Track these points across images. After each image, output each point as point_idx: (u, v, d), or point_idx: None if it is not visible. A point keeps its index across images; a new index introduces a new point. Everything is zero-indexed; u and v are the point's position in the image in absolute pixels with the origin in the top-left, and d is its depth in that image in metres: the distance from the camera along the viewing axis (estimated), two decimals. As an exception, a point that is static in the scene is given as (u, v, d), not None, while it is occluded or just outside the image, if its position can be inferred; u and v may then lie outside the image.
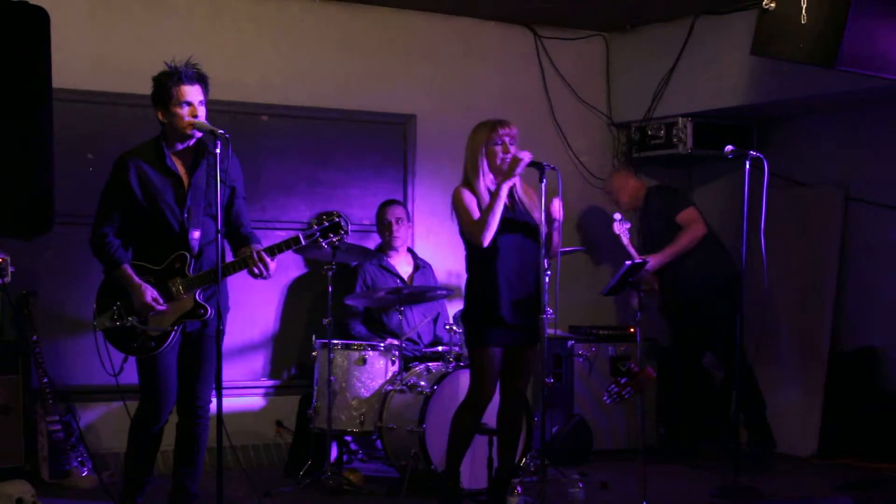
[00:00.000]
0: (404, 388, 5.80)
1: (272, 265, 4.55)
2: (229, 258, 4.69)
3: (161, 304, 4.51)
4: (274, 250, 4.55)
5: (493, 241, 5.01)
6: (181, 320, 4.56)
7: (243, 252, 4.65)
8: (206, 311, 4.55)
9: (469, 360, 5.25)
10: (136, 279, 4.52)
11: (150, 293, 4.49)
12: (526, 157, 4.90)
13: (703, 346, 6.76)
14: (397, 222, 6.52)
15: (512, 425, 5.25)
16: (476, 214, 5.04)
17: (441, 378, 5.65)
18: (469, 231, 5.07)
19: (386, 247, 6.60)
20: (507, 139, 5.08)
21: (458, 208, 5.12)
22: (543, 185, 4.93)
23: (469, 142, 5.19)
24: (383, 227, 6.58)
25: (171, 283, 4.54)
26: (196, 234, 4.56)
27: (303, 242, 4.57)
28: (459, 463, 5.18)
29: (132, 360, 4.62)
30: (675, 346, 6.85)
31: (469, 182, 5.14)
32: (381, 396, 5.88)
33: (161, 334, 4.53)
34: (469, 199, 5.08)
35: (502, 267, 5.05)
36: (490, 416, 5.26)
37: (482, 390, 5.11)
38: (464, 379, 5.64)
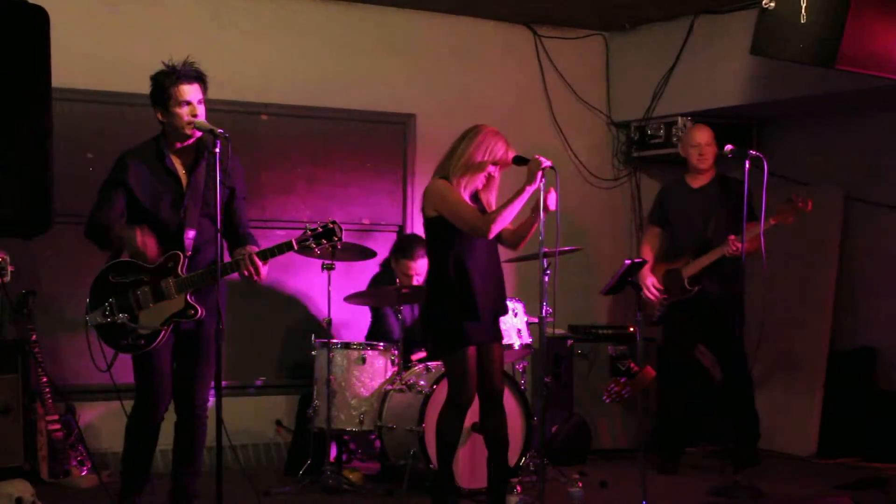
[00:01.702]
0: (404, 387, 5.80)
1: (264, 269, 4.54)
2: (226, 258, 4.68)
3: (154, 248, 4.47)
4: (266, 254, 4.55)
5: (470, 240, 4.96)
6: (171, 320, 4.56)
7: (238, 253, 4.64)
8: (196, 311, 4.55)
9: (445, 363, 5.11)
10: (130, 226, 4.50)
11: (139, 236, 4.46)
12: (546, 163, 4.85)
13: (699, 340, 6.60)
14: (417, 277, 6.26)
15: (499, 425, 5.15)
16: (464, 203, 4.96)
17: (441, 378, 5.64)
18: (472, 223, 4.90)
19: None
20: (496, 169, 5.00)
21: (449, 200, 4.93)
22: (542, 184, 4.93)
23: (472, 138, 4.99)
24: (403, 274, 6.25)
25: (163, 282, 4.54)
26: (191, 234, 4.56)
27: (295, 248, 4.57)
28: (450, 465, 5.13)
29: (127, 358, 4.62)
30: (673, 338, 6.55)
31: (450, 176, 4.98)
32: (381, 395, 5.88)
33: (151, 333, 4.53)
34: (457, 191, 4.96)
35: (475, 266, 4.98)
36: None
37: (465, 391, 5.01)
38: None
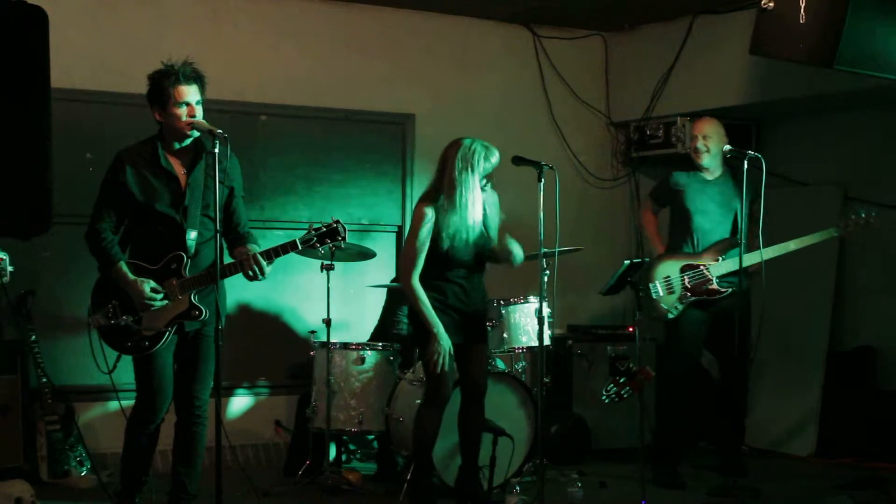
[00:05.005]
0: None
1: (267, 269, 4.55)
2: (226, 258, 4.68)
3: (159, 293, 4.50)
4: (271, 254, 4.55)
5: (452, 253, 5.03)
6: (175, 321, 4.56)
7: (239, 252, 4.65)
8: (200, 312, 4.55)
9: (423, 359, 5.18)
10: (131, 276, 4.51)
11: (148, 286, 4.49)
12: None
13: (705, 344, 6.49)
14: None
15: (477, 426, 5.25)
16: (420, 242, 4.99)
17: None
18: (404, 263, 5.07)
19: None
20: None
21: (412, 226, 5.06)
22: (541, 184, 4.94)
23: (462, 155, 5.01)
24: None
25: (166, 283, 4.53)
26: (192, 235, 4.56)
27: (299, 247, 4.57)
28: (429, 462, 5.21)
29: (127, 359, 4.62)
30: (681, 340, 6.16)
31: (437, 194, 5.05)
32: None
33: (155, 334, 4.53)
34: (425, 222, 5.01)
35: (456, 269, 5.08)
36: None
37: (440, 390, 5.11)
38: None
